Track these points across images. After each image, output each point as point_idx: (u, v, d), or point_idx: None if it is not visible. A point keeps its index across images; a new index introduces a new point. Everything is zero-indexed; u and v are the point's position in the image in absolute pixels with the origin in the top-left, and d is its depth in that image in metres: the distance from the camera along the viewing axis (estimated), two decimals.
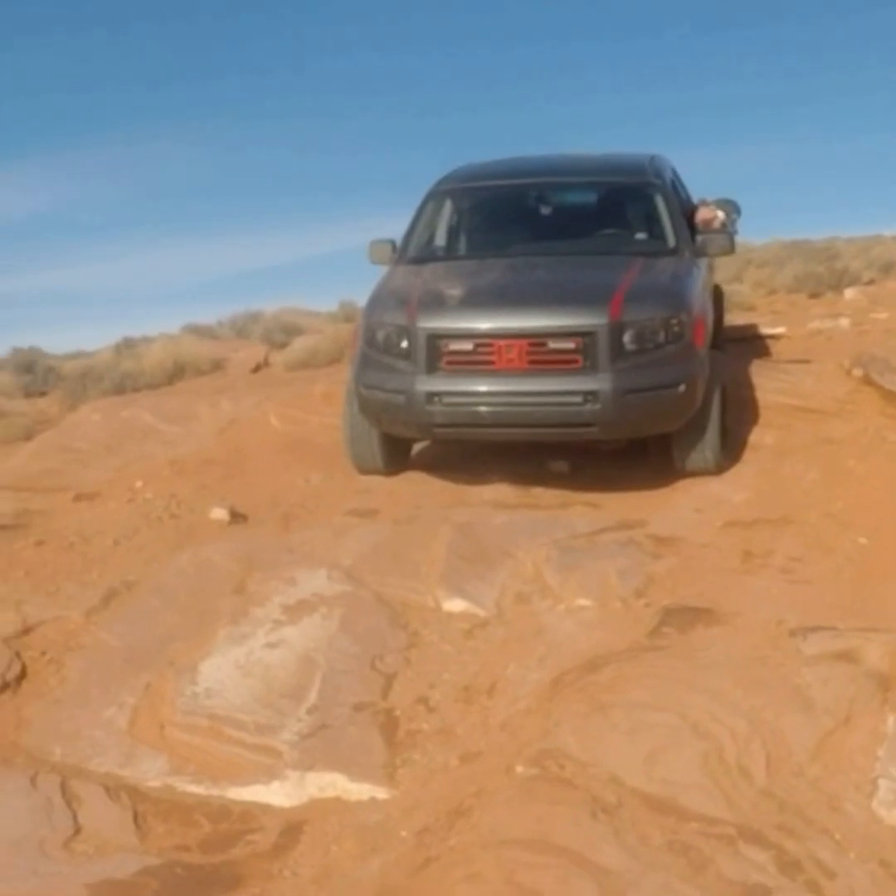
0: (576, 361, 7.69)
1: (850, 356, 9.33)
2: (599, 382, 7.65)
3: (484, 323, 7.82)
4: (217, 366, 14.77)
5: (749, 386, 9.21)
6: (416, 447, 9.10)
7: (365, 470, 8.53)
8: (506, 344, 7.73)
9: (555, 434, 8.02)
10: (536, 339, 7.73)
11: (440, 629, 6.11)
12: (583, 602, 6.25)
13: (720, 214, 9.64)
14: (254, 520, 7.76)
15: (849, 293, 15.47)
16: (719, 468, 8.12)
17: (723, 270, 23.44)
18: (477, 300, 8.01)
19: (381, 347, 8.05)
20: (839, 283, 18.34)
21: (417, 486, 8.40)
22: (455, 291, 8.11)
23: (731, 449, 8.52)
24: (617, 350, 7.66)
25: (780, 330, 12.26)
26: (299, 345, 14.35)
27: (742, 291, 19.77)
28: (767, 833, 4.21)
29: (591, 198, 9.88)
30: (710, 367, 8.20)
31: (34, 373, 14.80)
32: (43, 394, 14.60)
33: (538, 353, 7.74)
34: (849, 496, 7.33)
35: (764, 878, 3.99)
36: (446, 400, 7.81)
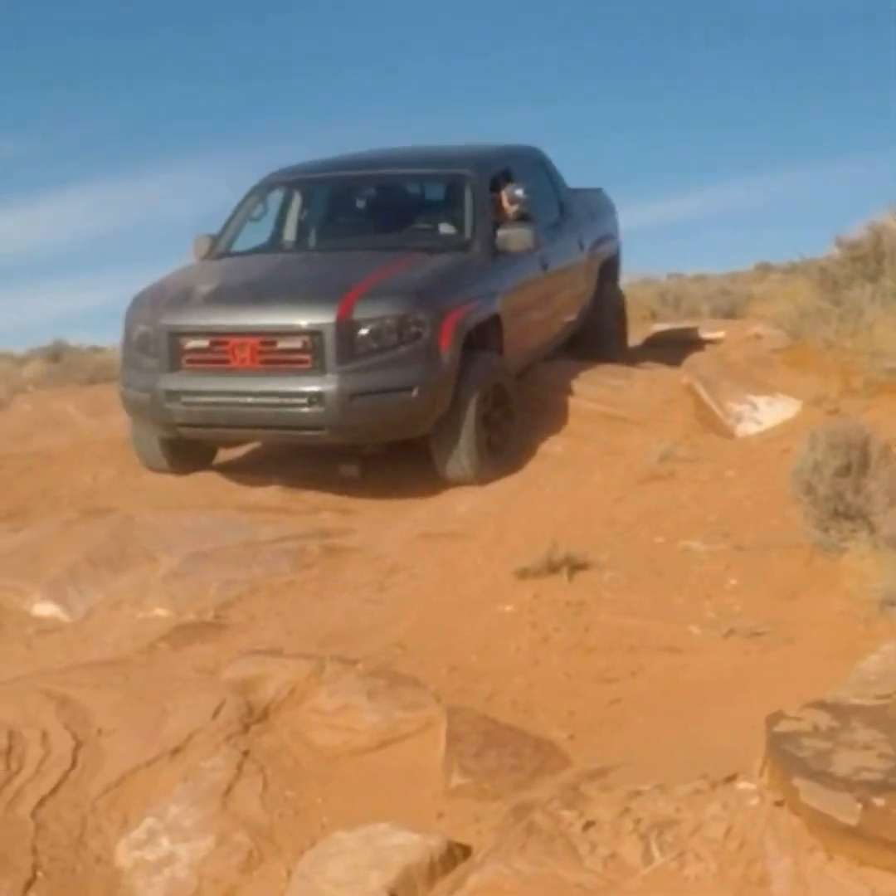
0: (305, 362, 7.50)
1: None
2: (325, 384, 7.44)
3: (218, 320, 7.73)
4: None
5: (567, 391, 8.73)
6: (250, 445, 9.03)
7: (153, 468, 8.49)
8: (239, 342, 7.61)
9: (288, 436, 7.85)
10: (266, 337, 7.57)
11: (6, 633, 6.13)
12: (160, 612, 6.13)
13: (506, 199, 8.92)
14: None
15: None
16: (481, 477, 7.72)
17: None
18: (218, 297, 7.90)
19: (135, 345, 8.03)
20: None
21: (194, 486, 8.35)
22: (206, 288, 8.00)
23: (517, 457, 8.11)
24: (346, 350, 7.42)
25: (719, 334, 11.55)
26: None
27: None
28: None
29: (408, 191, 9.56)
30: (474, 370, 7.79)
31: None
32: None
33: (269, 353, 7.58)
34: (548, 510, 6.92)
35: None
36: (184, 399, 7.73)
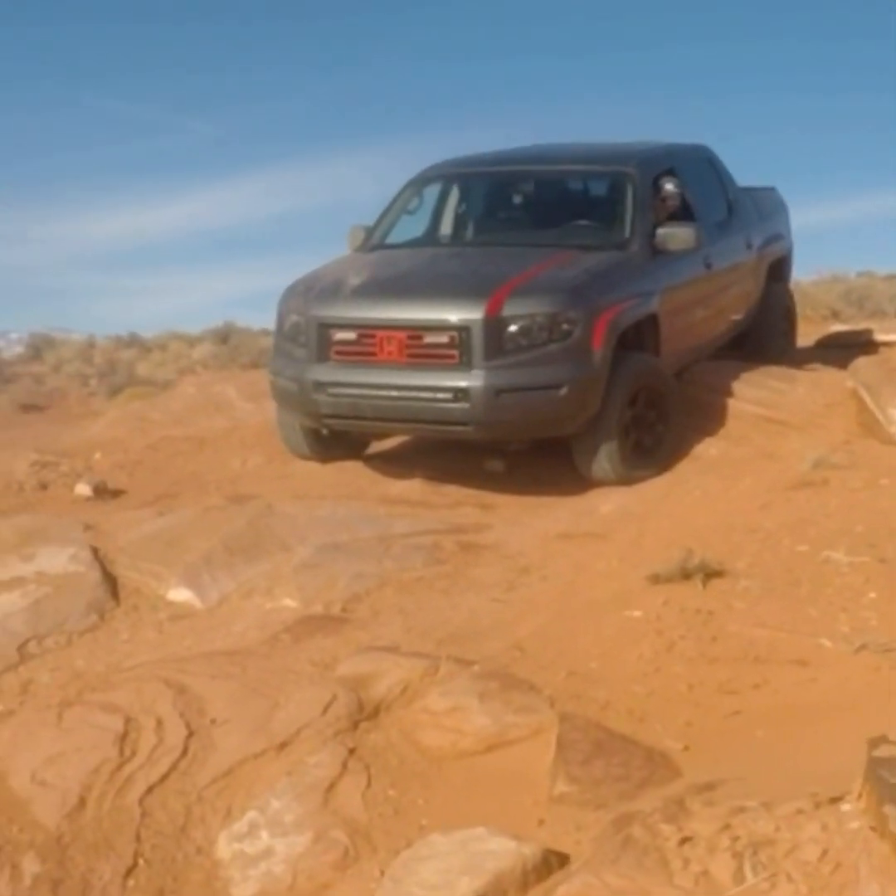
0: (452, 357, 7.53)
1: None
2: (471, 379, 7.46)
3: (365, 313, 7.80)
4: None
5: (726, 393, 8.60)
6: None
7: (298, 456, 8.66)
8: (386, 336, 7.69)
9: (434, 431, 7.90)
10: (413, 331, 7.63)
11: (141, 617, 6.24)
12: (289, 602, 6.23)
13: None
14: (130, 497, 8.08)
15: None
16: (623, 479, 7.69)
17: None
18: (367, 290, 7.98)
19: (287, 335, 8.18)
20: None
21: (338, 475, 8.47)
22: (355, 280, 8.09)
23: (669, 458, 8.06)
24: (494, 346, 7.43)
25: (893, 337, 11.22)
26: None
27: None
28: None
29: (568, 187, 9.48)
30: (625, 370, 7.74)
31: None
32: None
33: (416, 347, 7.64)
34: (691, 514, 6.84)
35: None
36: (331, 390, 7.84)
